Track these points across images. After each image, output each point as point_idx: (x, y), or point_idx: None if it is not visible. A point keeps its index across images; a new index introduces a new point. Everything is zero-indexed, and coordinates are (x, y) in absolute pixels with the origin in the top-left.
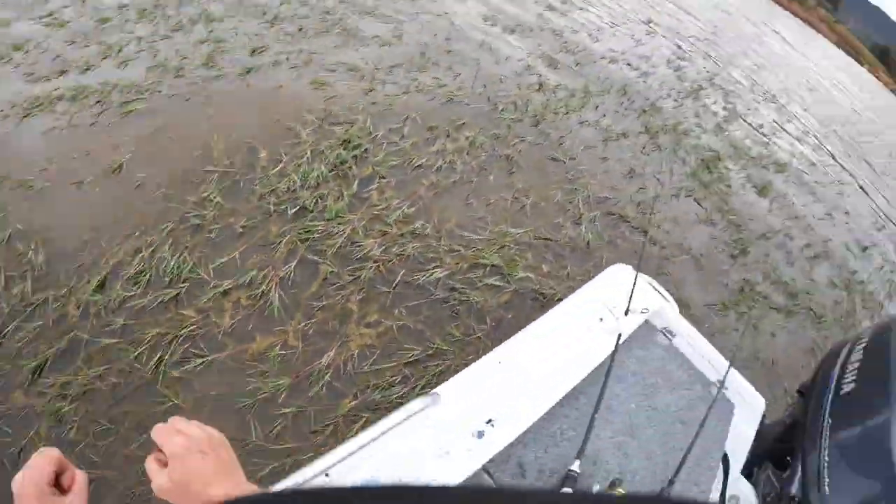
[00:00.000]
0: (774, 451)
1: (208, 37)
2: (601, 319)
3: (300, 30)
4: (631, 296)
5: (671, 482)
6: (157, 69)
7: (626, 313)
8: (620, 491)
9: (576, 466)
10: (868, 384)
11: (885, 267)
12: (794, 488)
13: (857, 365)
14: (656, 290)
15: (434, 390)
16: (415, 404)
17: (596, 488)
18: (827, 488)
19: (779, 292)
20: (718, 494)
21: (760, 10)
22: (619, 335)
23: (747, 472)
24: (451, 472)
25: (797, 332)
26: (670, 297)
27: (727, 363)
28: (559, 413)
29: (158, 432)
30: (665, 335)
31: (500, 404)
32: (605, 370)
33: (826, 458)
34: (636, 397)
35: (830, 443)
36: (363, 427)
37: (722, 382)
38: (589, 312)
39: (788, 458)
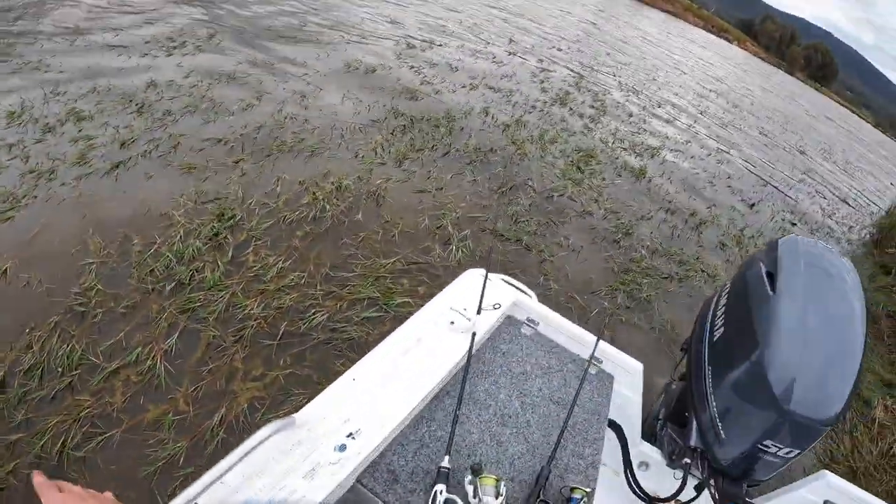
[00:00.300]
0: (674, 411)
1: (78, 135)
2: (452, 322)
3: (167, 113)
4: (482, 295)
5: (550, 459)
6: (30, 175)
7: (479, 312)
8: (486, 476)
9: (446, 462)
10: (734, 324)
11: (776, 217)
12: (694, 440)
13: (723, 309)
14: (511, 285)
15: (290, 416)
16: (269, 427)
17: (468, 478)
18: (722, 433)
19: (668, 263)
20: (622, 462)
21: (625, 12)
22: (474, 333)
23: (652, 436)
24: (322, 488)
25: (692, 295)
26: (528, 289)
27: (595, 338)
28: (424, 417)
29: (42, 488)
30: (529, 325)
31: (359, 418)
32: (464, 368)
33: (714, 405)
34: (505, 389)
35: (715, 389)
36: None
37: (591, 357)
38: (440, 318)
39: (687, 414)
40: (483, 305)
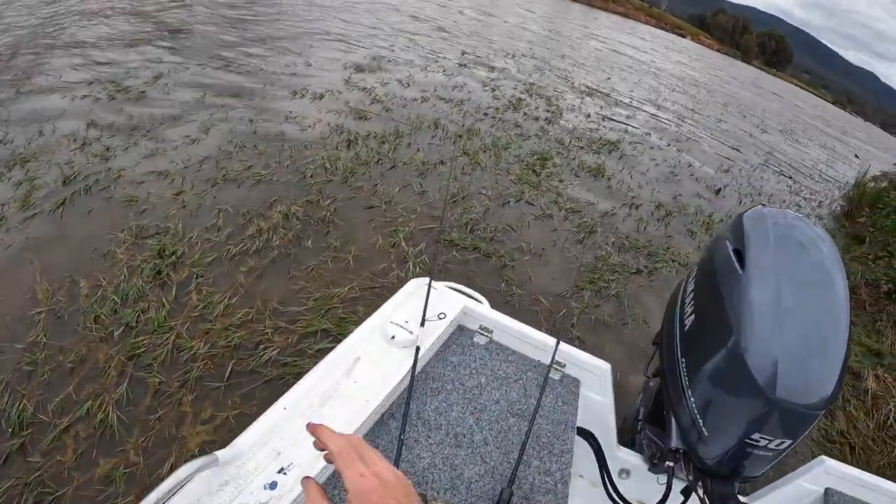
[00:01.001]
0: (652, 411)
1: (24, 177)
2: (393, 337)
3: (108, 149)
4: (426, 305)
5: (511, 479)
6: None
7: (423, 324)
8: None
9: None
10: (705, 310)
11: (744, 200)
12: (675, 441)
13: (692, 295)
14: (460, 291)
15: (212, 453)
16: (189, 466)
17: None
18: (705, 430)
19: (637, 257)
20: (598, 473)
21: (576, 17)
22: (418, 347)
23: (631, 441)
24: None
25: (664, 286)
26: (479, 296)
27: (555, 341)
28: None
29: (339, 451)
30: (482, 333)
31: (292, 451)
32: (409, 386)
33: (693, 400)
34: (458, 405)
35: (692, 383)
36: None
37: (552, 361)
38: (379, 334)
39: (665, 413)
40: (427, 316)
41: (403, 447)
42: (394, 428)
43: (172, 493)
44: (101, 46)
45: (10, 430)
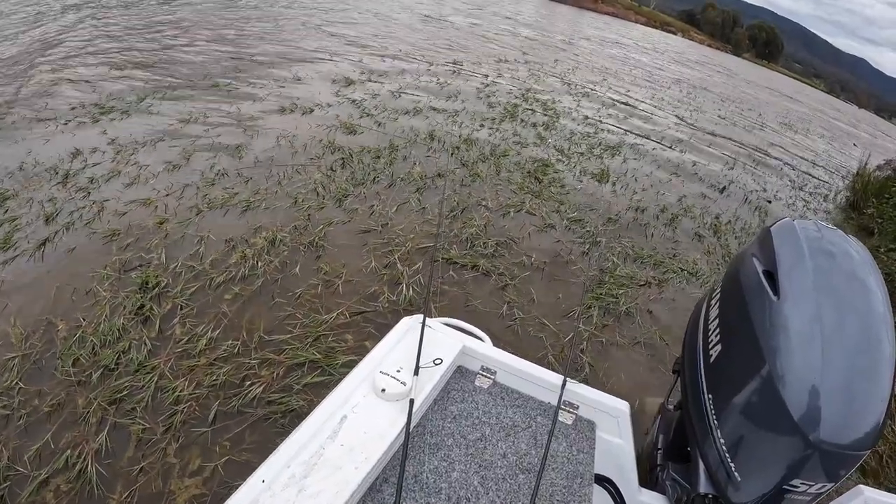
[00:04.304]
0: (673, 444)
1: (4, 217)
2: (384, 390)
3: (91, 180)
4: (419, 350)
5: None
6: None
7: (416, 372)
8: None
9: None
10: (733, 340)
11: (750, 197)
12: (703, 485)
13: (716, 322)
14: (458, 328)
15: None
16: None
17: None
18: (736, 474)
19: (643, 267)
20: None
21: (567, 19)
22: (412, 400)
23: (654, 481)
24: None
25: (677, 299)
26: (479, 332)
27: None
28: None
29: None
30: (485, 375)
31: None
32: (403, 445)
33: (721, 440)
34: (460, 464)
35: (720, 422)
36: None
37: (559, 403)
38: (367, 386)
39: (689, 449)
40: (422, 363)
41: None
42: (388, 495)
43: None
44: (86, 66)
45: None
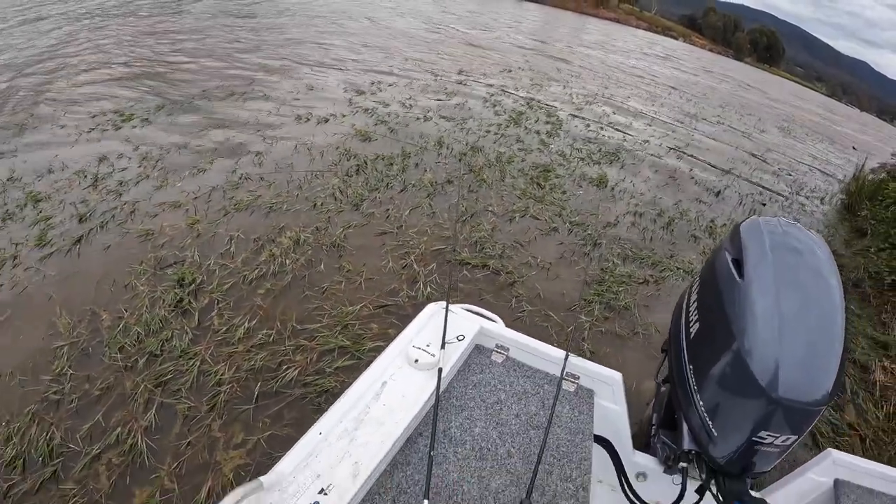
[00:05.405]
0: (665, 416)
1: (38, 217)
2: (416, 361)
3: (121, 183)
4: (444, 328)
5: (529, 490)
6: None
7: (443, 346)
8: None
9: None
10: (708, 318)
11: (745, 201)
12: (686, 442)
13: (695, 304)
14: (476, 313)
15: (257, 479)
16: (236, 494)
17: None
18: (714, 431)
19: (642, 266)
20: (616, 477)
21: (569, 26)
22: (440, 369)
23: (646, 445)
24: None
25: (671, 294)
26: (493, 315)
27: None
28: (399, 462)
29: None
30: (499, 351)
31: (331, 472)
32: (434, 406)
33: (701, 403)
34: (481, 421)
35: (699, 388)
36: None
37: (562, 373)
38: (402, 359)
39: (676, 417)
40: (447, 339)
41: (433, 463)
42: (422, 446)
43: None
44: (102, 76)
45: (39, 458)
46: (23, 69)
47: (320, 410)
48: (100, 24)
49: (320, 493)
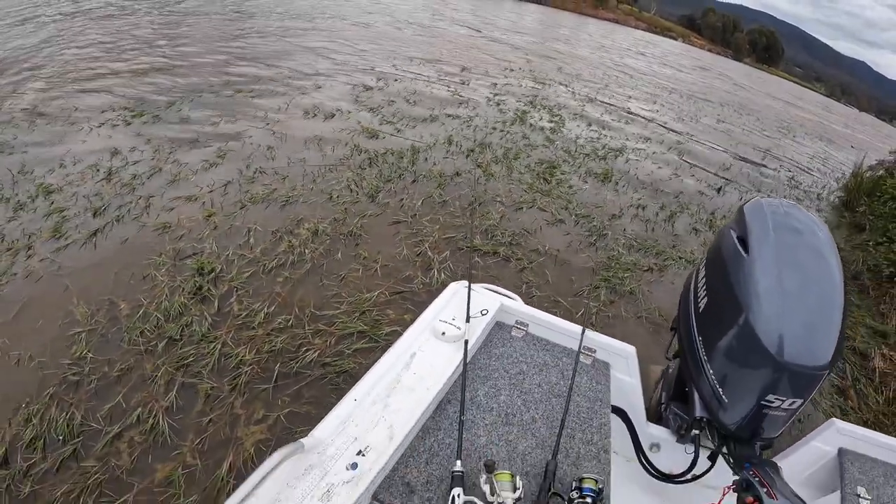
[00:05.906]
0: (675, 390)
1: (50, 209)
2: (444, 333)
3: (134, 177)
4: (468, 304)
5: (555, 452)
6: (7, 253)
7: (468, 320)
8: (501, 473)
9: (458, 466)
10: (716, 292)
11: (745, 196)
12: (698, 411)
13: (703, 281)
14: (496, 292)
15: (298, 441)
16: (279, 454)
17: (483, 478)
18: (724, 398)
19: (646, 256)
20: (632, 448)
21: (569, 26)
22: (466, 341)
23: (658, 419)
24: None
25: (675, 281)
26: (513, 294)
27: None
28: (430, 427)
29: None
30: (518, 327)
31: (367, 436)
32: (462, 374)
33: (712, 372)
34: (505, 390)
35: (709, 357)
36: None
37: (580, 347)
38: (431, 331)
39: (687, 389)
40: (471, 314)
41: (463, 428)
42: (451, 412)
43: (265, 478)
44: (110, 71)
45: (59, 437)
46: (29, 66)
47: (339, 389)
48: (105, 24)
49: (358, 454)
